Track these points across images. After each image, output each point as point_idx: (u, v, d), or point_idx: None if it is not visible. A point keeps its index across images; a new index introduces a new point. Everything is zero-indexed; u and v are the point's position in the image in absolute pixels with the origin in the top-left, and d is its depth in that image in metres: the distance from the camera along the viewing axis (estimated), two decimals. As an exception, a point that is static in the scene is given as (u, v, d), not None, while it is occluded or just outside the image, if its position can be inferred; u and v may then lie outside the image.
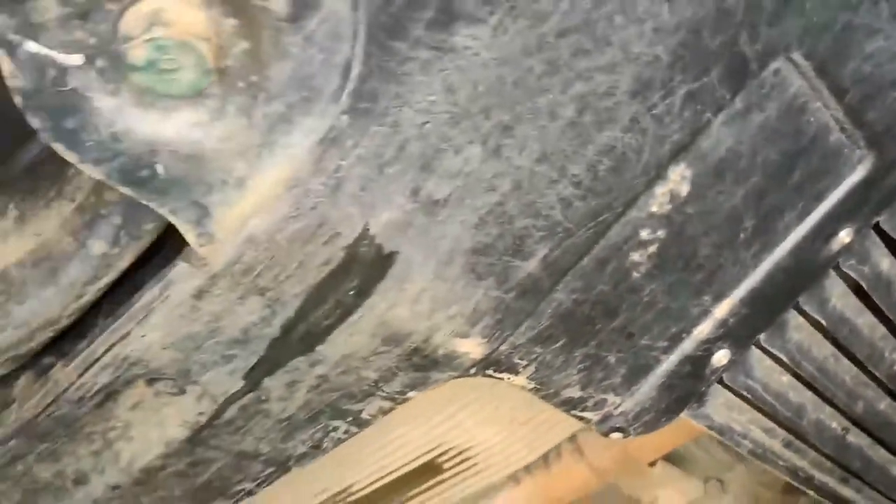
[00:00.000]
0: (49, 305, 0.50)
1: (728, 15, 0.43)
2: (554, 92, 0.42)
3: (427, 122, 0.41)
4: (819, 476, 0.74)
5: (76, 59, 0.36)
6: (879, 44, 0.47)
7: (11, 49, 0.35)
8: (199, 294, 0.44)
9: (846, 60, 0.47)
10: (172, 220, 0.42)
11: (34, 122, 0.37)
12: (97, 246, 0.48)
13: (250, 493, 0.60)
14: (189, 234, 0.42)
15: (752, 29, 0.44)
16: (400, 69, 0.39)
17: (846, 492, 0.77)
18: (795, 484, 0.75)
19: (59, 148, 0.38)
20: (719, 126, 0.47)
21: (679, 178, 0.48)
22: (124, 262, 0.49)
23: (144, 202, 0.41)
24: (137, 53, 0.35)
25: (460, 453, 0.73)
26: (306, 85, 0.38)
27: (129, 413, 0.55)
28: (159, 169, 0.40)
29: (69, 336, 0.54)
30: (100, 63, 0.36)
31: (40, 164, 0.52)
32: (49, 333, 0.52)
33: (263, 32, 0.36)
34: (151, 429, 0.55)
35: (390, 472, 0.74)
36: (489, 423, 0.72)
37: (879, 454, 0.76)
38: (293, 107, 0.39)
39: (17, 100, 0.36)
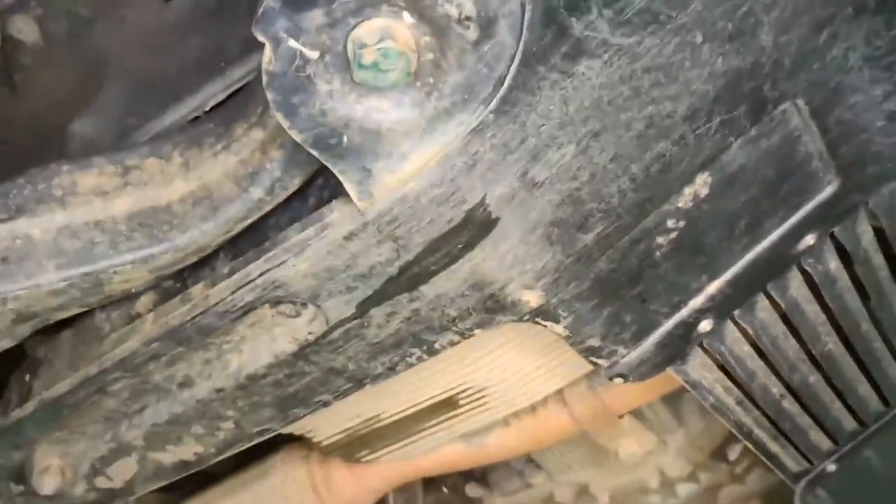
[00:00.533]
0: (205, 236, 0.62)
1: (760, 68, 0.59)
2: (633, 111, 0.57)
3: (543, 124, 0.55)
4: (757, 432, 0.92)
5: (315, 55, 0.49)
6: (858, 98, 0.63)
7: (277, 43, 0.47)
8: (349, 236, 0.58)
9: (834, 108, 0.63)
10: (341, 178, 0.55)
11: (270, 95, 0.50)
12: (256, 192, 0.60)
13: (326, 404, 0.74)
14: (352, 190, 0.55)
15: (774, 80, 0.60)
16: (536, 85, 0.53)
17: (774, 447, 0.96)
18: (738, 436, 0.92)
19: (279, 116, 0.51)
20: (737, 147, 0.63)
21: (702, 183, 0.64)
22: (269, 207, 0.62)
23: (324, 162, 0.54)
24: (368, 56, 0.48)
25: (477, 392, 0.88)
26: (469, 90, 0.52)
27: (246, 329, 0.67)
28: (345, 140, 0.53)
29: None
30: (328, 59, 0.49)
31: (200, 125, 0.64)
32: (194, 258, 0.64)
33: (450, 50, 0.50)
34: (263, 344, 0.68)
35: (416, 404, 0.88)
36: (505, 370, 0.86)
37: (804, 420, 0.95)
38: (456, 104, 0.52)
39: (265, 80, 0.49)
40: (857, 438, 1.01)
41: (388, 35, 0.48)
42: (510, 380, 0.87)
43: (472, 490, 1.32)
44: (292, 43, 0.47)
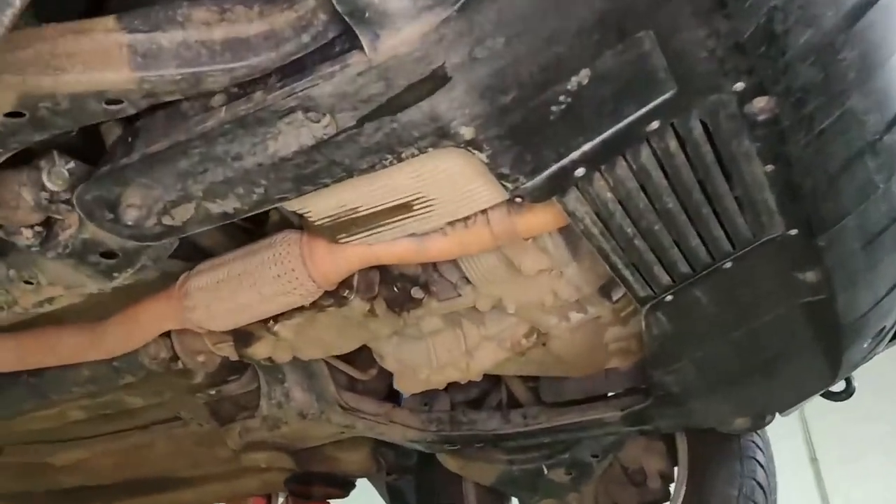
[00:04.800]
0: (269, 61, 0.99)
1: (623, 8, 0.95)
2: (542, 24, 0.94)
3: (485, 23, 0.92)
4: (613, 257, 1.32)
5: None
6: (687, 35, 1.00)
7: None
8: (360, 73, 0.95)
9: (671, 40, 1.01)
10: (361, 37, 0.92)
11: (327, -18, 0.86)
12: (305, 38, 0.97)
13: (326, 185, 1.12)
14: (366, 45, 0.92)
15: (634, 16, 0.96)
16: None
17: (626, 273, 1.37)
18: (601, 259, 1.33)
19: (333, -5, 0.87)
20: (608, 55, 1.00)
21: (584, 75, 1.01)
22: (312, 49, 0.99)
23: (352, 25, 0.91)
24: None
25: (427, 201, 1.26)
26: None
27: (284, 125, 1.05)
28: (367, 14, 0.89)
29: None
30: None
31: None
32: (259, 75, 1.01)
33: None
34: (293, 137, 1.05)
35: (384, 203, 1.26)
36: (446, 187, 1.24)
37: (650, 256, 1.35)
38: (435, 2, 0.89)
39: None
40: (689, 280, 1.43)
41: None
42: (449, 195, 1.25)
43: (417, 293, 1.73)
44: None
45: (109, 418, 2.34)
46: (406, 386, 1.97)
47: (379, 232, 1.33)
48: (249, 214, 1.19)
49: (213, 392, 2.21)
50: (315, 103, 0.99)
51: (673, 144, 1.16)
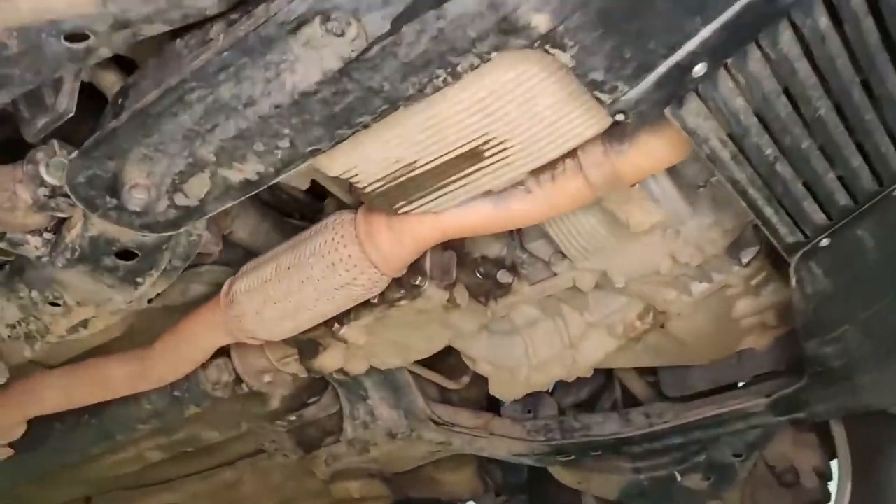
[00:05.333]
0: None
1: None
2: None
3: None
4: (752, 191, 1.02)
5: None
6: None
7: None
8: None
9: None
10: None
11: None
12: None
13: (366, 126, 0.86)
14: None
15: None
16: None
17: (769, 211, 1.06)
18: (735, 193, 1.02)
19: None
20: None
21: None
22: None
23: None
24: None
25: (499, 144, 0.99)
26: None
27: (300, 48, 0.80)
28: None
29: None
30: None
31: None
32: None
33: None
34: (313, 62, 0.80)
35: (446, 153, 1.00)
36: (523, 117, 0.96)
37: (798, 188, 1.04)
38: None
39: None
40: (851, 215, 1.11)
41: None
42: (527, 130, 0.97)
43: (503, 276, 1.45)
44: None
45: (191, 457, 2.21)
46: (503, 391, 1.69)
47: (446, 193, 1.06)
48: (279, 178, 0.94)
49: (293, 418, 2.02)
50: (333, 3, 0.73)
51: (823, 21, 0.85)
